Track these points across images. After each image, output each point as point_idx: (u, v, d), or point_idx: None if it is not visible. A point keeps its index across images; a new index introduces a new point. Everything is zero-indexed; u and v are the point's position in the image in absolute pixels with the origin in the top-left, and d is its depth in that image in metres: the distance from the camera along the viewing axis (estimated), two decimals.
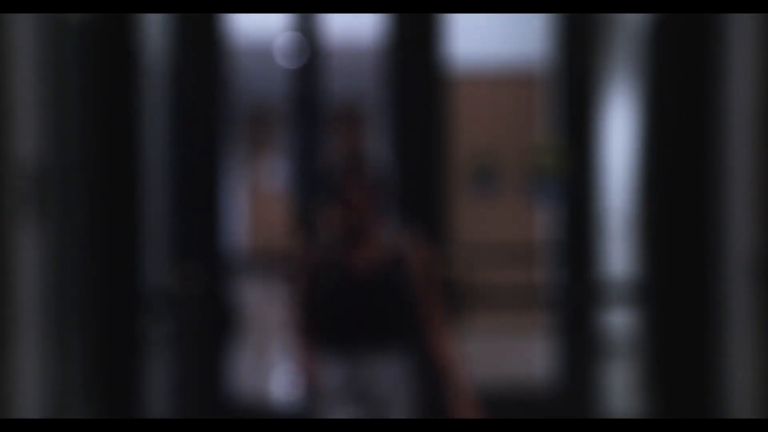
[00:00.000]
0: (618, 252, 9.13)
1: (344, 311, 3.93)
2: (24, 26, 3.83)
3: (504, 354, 8.78)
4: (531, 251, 10.19)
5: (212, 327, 4.84)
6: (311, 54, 4.03)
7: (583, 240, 5.24)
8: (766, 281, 3.68)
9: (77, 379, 4.25)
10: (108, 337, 3.83)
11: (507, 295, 5.97)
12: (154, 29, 4.47)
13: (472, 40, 9.64)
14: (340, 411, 3.95)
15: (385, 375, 3.98)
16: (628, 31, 8.58)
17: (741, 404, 3.76)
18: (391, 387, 4.00)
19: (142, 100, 3.88)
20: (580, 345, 5.16)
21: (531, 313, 10.11)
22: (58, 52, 4.31)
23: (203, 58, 5.04)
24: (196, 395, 4.75)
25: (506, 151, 9.47)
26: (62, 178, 4.37)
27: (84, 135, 3.80)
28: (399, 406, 3.98)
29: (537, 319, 10.07)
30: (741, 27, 3.75)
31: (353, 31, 8.48)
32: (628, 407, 7.30)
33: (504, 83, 10.17)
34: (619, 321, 8.86)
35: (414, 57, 3.92)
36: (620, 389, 7.78)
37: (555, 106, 5.40)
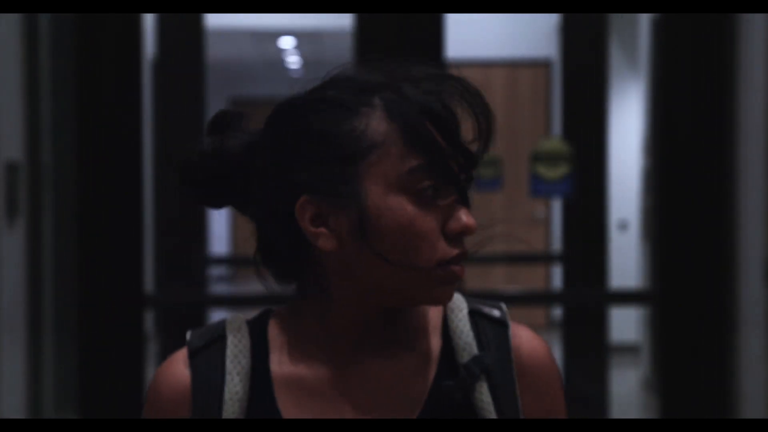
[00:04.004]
0: (626, 254, 9.07)
1: None
2: (8, 23, 3.78)
3: None
4: (540, 256, 10.15)
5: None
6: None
7: (591, 243, 5.15)
8: None
9: (65, 382, 4.18)
10: (97, 340, 3.75)
11: (513, 302, 5.89)
12: (145, 27, 4.38)
13: (474, 36, 9.58)
14: None
15: None
16: (636, 31, 8.51)
17: (754, 408, 3.70)
18: None
19: (132, 98, 3.78)
20: (591, 348, 5.08)
21: (537, 319, 10.06)
22: (44, 49, 4.24)
23: (190, 55, 4.98)
24: None
25: (509, 154, 9.38)
26: (51, 177, 4.30)
27: (73, 134, 3.72)
28: None
29: (543, 326, 10.02)
30: (754, 27, 3.69)
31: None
32: (640, 411, 7.23)
33: (507, 82, 10.09)
34: (629, 323, 8.82)
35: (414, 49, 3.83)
36: (632, 392, 7.73)
37: (561, 108, 5.31)
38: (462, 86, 1.37)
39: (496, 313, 1.42)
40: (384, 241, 1.32)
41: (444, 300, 1.35)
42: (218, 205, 1.43)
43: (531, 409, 1.40)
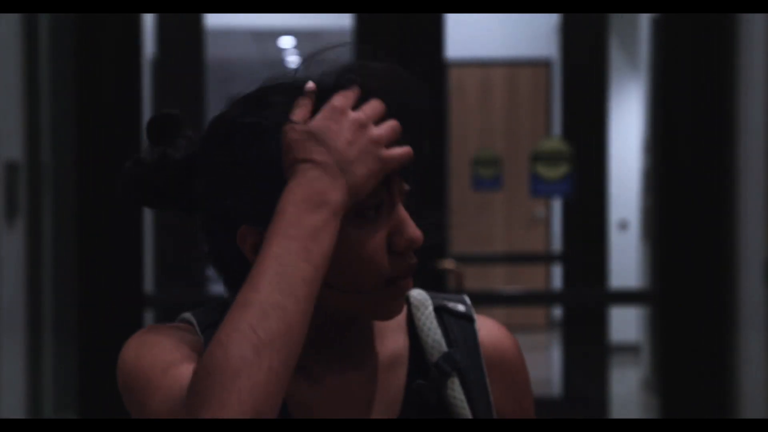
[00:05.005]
0: (626, 254, 9.06)
1: None
2: (8, 23, 3.78)
3: None
4: (539, 256, 10.14)
5: None
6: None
7: (591, 243, 5.15)
8: None
9: (65, 382, 4.17)
10: (97, 340, 3.75)
11: (513, 302, 5.89)
12: (145, 27, 4.37)
13: (474, 35, 9.57)
14: None
15: None
16: (636, 31, 8.51)
17: (754, 408, 3.69)
18: None
19: (131, 98, 3.78)
20: (591, 348, 5.07)
21: (537, 319, 10.05)
22: (44, 49, 4.23)
23: (190, 55, 4.97)
24: None
25: (509, 154, 9.37)
26: (51, 177, 4.29)
27: (72, 134, 3.72)
28: None
29: (543, 326, 10.01)
30: (754, 27, 3.68)
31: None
32: (640, 411, 7.22)
33: (507, 82, 10.08)
34: (629, 323, 8.81)
35: (415, 47, 3.82)
36: (632, 392, 7.72)
37: (561, 108, 5.30)
38: (398, 82, 1.31)
39: (461, 308, 1.40)
40: (328, 270, 1.25)
41: (394, 314, 1.32)
42: (163, 210, 1.38)
43: (501, 401, 1.39)
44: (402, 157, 1.26)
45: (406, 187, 1.31)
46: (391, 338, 1.38)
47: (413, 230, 1.28)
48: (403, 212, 1.29)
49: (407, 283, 1.31)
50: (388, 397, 1.36)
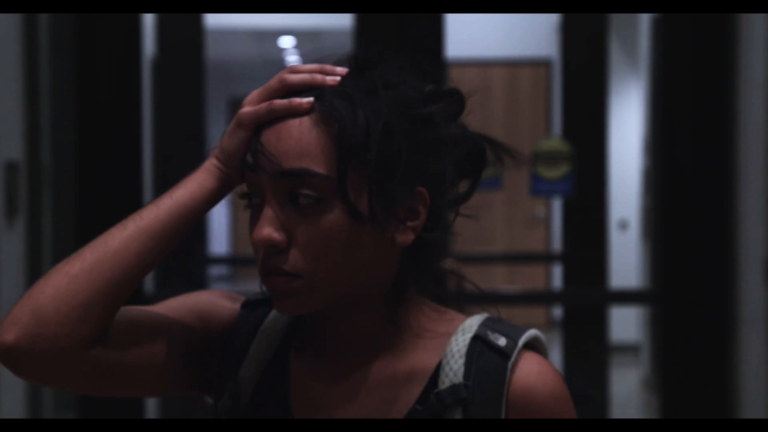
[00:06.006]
0: (626, 254, 9.07)
1: None
2: (8, 23, 3.78)
3: None
4: (540, 256, 10.14)
5: None
6: None
7: (591, 243, 5.15)
8: None
9: None
10: None
11: (513, 302, 5.88)
12: (145, 26, 4.36)
13: (474, 34, 9.57)
14: None
15: None
16: (636, 31, 8.51)
17: (754, 408, 3.69)
18: None
19: (131, 97, 3.77)
20: (591, 348, 5.07)
21: (537, 319, 10.05)
22: (44, 49, 4.23)
23: (190, 55, 4.97)
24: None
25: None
26: (50, 177, 4.29)
27: (72, 133, 3.72)
28: None
29: (543, 326, 10.02)
30: (754, 27, 3.67)
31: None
32: (640, 411, 7.23)
33: (507, 82, 10.08)
34: (629, 323, 8.82)
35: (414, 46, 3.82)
36: (632, 392, 7.72)
37: (561, 108, 5.30)
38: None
39: (501, 342, 1.30)
40: None
41: (280, 309, 1.31)
42: None
43: None
44: (257, 112, 1.31)
45: (309, 193, 1.28)
46: (420, 355, 1.34)
47: (256, 231, 1.28)
48: (264, 212, 1.29)
49: (271, 281, 1.29)
50: (397, 408, 1.32)
